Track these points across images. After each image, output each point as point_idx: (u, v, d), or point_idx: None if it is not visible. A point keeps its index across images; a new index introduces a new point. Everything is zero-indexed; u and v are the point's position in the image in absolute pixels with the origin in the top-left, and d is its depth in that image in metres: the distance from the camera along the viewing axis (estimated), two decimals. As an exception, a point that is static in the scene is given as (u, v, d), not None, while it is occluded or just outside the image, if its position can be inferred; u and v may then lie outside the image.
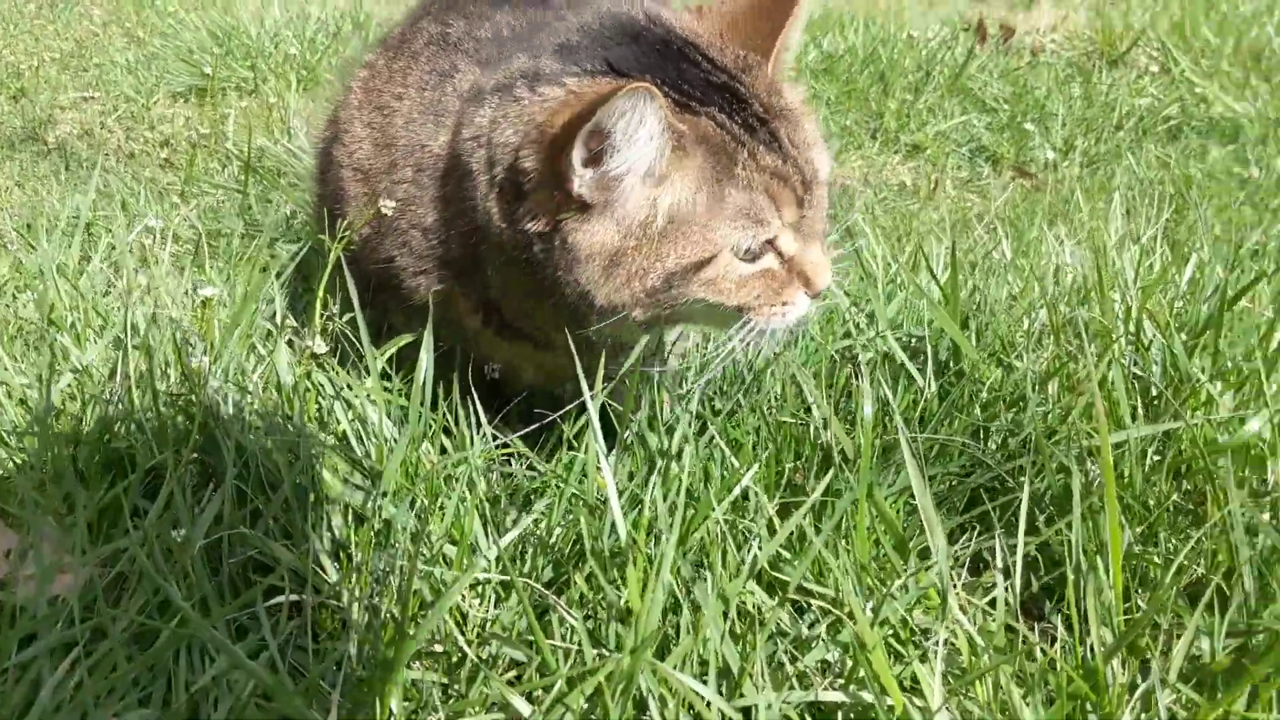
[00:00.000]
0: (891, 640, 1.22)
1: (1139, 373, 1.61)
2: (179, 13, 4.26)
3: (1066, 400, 1.53)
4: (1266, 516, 1.33)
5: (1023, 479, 1.33)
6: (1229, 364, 1.59)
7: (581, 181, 1.28)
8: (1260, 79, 3.59)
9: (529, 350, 1.53)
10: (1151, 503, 1.39)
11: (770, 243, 1.37)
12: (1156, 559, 1.32)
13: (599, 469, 1.32)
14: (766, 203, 1.33)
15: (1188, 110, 3.47)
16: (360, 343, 1.49)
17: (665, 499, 1.31)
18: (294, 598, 1.28)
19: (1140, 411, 1.54)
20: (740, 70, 1.38)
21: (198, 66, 3.55)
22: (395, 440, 1.42)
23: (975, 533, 1.42)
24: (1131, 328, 1.64)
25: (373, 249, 1.52)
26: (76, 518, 1.30)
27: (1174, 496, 1.39)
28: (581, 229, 1.31)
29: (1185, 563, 1.32)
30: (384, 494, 1.36)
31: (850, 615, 1.14)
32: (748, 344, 1.40)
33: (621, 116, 1.22)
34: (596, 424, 1.34)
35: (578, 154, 1.26)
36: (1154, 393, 1.57)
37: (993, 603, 1.26)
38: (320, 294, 1.54)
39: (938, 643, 1.13)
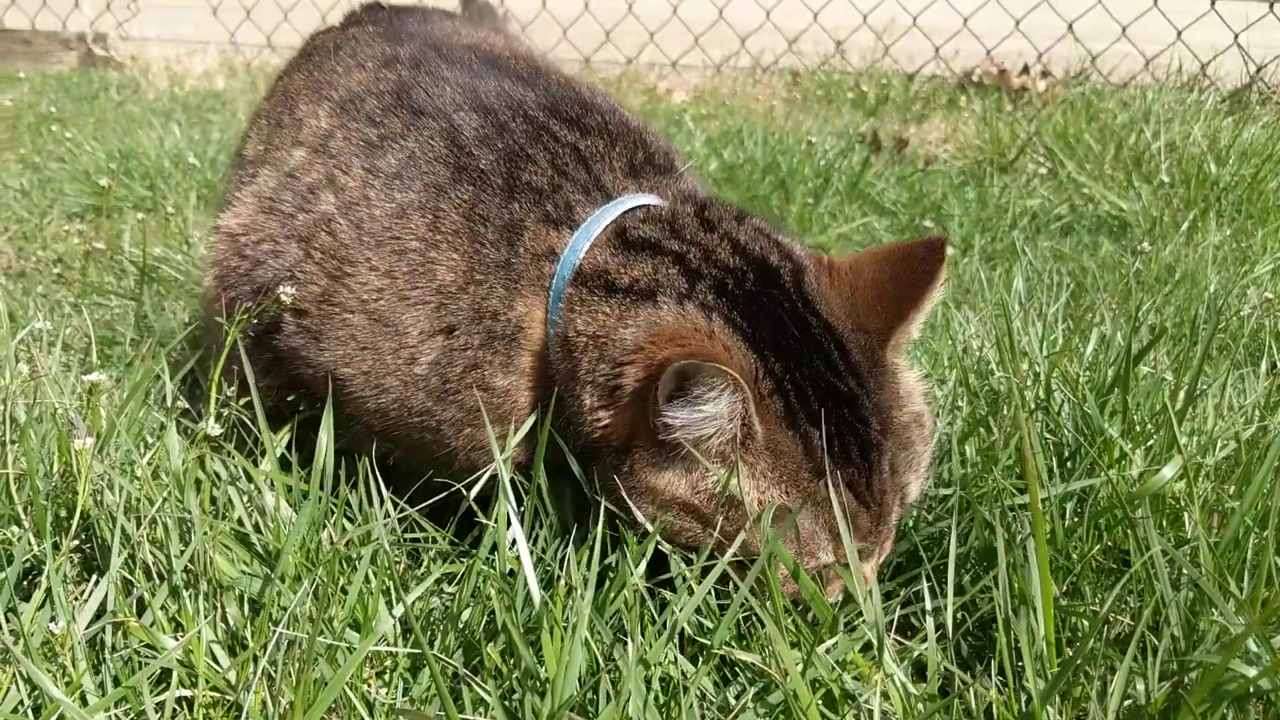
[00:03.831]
0: (822, 706, 1.17)
1: (1051, 436, 1.61)
2: (77, 137, 4.20)
3: (984, 459, 1.52)
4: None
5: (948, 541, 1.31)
6: (1136, 423, 1.61)
7: (657, 413, 1.23)
8: (1141, 180, 3.74)
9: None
10: (1075, 556, 1.37)
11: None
12: (1083, 611, 1.30)
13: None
14: (827, 540, 1.27)
15: (1077, 209, 3.58)
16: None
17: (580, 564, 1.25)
18: (184, 693, 1.19)
19: (1055, 471, 1.54)
20: (869, 373, 1.31)
21: (94, 184, 3.49)
22: (293, 524, 1.35)
23: (901, 600, 1.39)
24: (1041, 392, 1.65)
25: (382, 392, 1.44)
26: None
27: (1096, 549, 1.38)
28: (650, 465, 1.27)
29: (1112, 617, 1.31)
30: (282, 579, 1.29)
31: (784, 673, 1.09)
32: None
33: (700, 385, 1.19)
34: (507, 487, 1.27)
35: (663, 389, 1.21)
36: (1067, 454, 1.58)
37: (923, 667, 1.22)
38: (216, 378, 1.47)
39: (872, 696, 1.09)
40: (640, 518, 1.28)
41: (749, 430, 1.24)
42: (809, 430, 1.26)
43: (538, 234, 1.40)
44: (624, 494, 1.28)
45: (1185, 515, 1.43)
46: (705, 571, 1.24)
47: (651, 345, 1.26)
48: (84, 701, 1.15)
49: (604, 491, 1.32)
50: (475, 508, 1.37)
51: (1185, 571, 1.25)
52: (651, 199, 1.46)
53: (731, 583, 1.25)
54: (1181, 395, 1.65)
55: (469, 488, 1.36)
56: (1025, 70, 5.32)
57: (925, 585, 1.27)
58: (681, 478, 1.27)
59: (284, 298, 1.42)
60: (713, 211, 1.43)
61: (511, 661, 1.18)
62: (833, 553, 1.27)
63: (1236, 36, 4.75)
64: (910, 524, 1.45)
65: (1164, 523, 1.44)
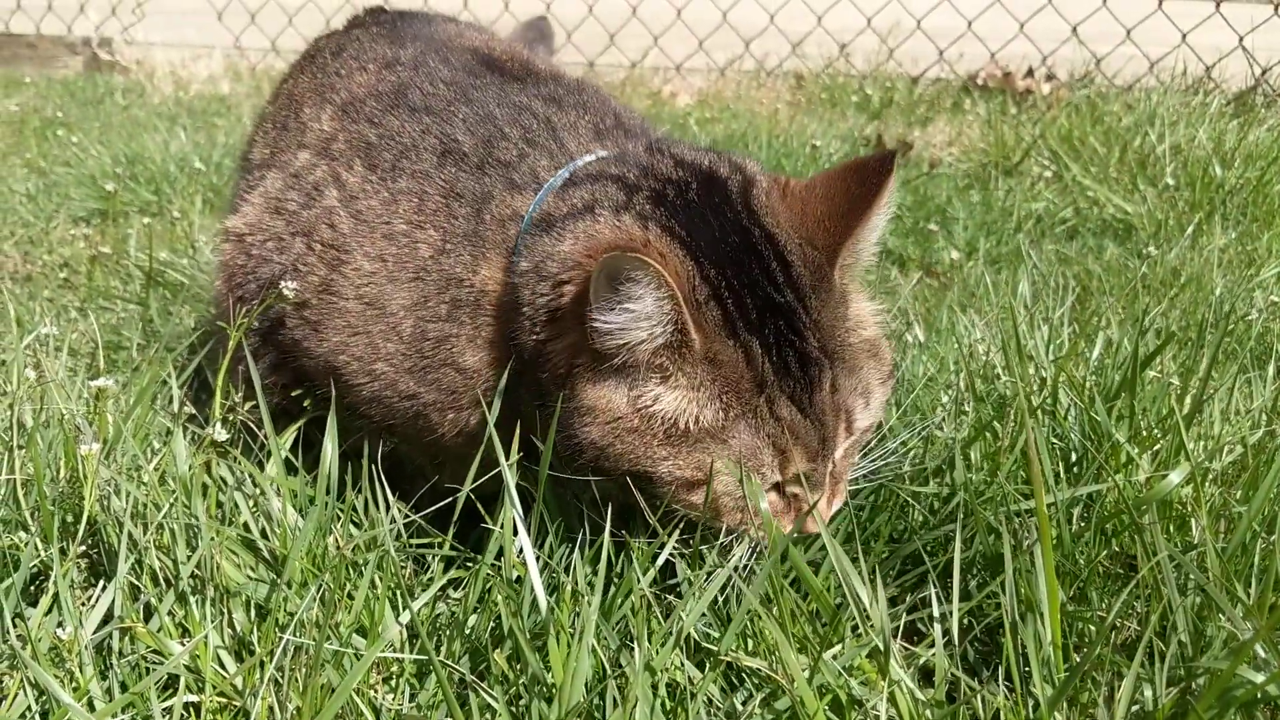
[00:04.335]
0: (829, 712, 1.16)
1: (1057, 440, 1.61)
2: (83, 142, 4.21)
3: (990, 464, 1.52)
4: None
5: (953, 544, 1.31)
6: (1143, 428, 1.60)
7: (590, 321, 1.23)
8: (1146, 183, 3.73)
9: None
10: (1082, 561, 1.37)
11: (773, 486, 1.30)
12: (1090, 617, 1.30)
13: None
14: (771, 456, 1.26)
15: (1082, 212, 3.58)
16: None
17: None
18: (191, 698, 1.19)
19: (1062, 476, 1.54)
20: (812, 288, 1.29)
21: (100, 189, 3.50)
22: (299, 529, 1.35)
23: (907, 605, 1.38)
24: (1047, 397, 1.65)
25: (374, 379, 1.44)
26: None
27: (1103, 554, 1.38)
28: (590, 381, 1.27)
29: (1120, 622, 1.31)
30: (288, 584, 1.29)
31: (790, 679, 1.09)
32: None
33: (626, 282, 1.18)
34: (513, 489, 1.27)
35: (594, 294, 1.21)
36: (1074, 458, 1.57)
37: (930, 672, 1.22)
38: (222, 379, 1.47)
39: (879, 702, 1.09)
40: (583, 441, 1.27)
41: (684, 337, 1.23)
42: (749, 339, 1.25)
43: (503, 200, 1.42)
44: (568, 419, 1.28)
45: (1192, 520, 1.43)
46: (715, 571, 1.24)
47: (588, 259, 1.26)
48: (91, 707, 1.15)
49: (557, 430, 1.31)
50: (480, 507, 1.37)
51: (1192, 577, 1.24)
52: (610, 153, 1.48)
53: (736, 587, 1.25)
54: (1188, 400, 1.65)
55: (475, 493, 1.36)
56: (1030, 73, 5.32)
57: (932, 590, 1.27)
58: (621, 393, 1.26)
59: (286, 291, 1.43)
60: (664, 143, 1.46)
61: (518, 668, 1.18)
62: (779, 470, 1.27)
63: (1242, 39, 4.75)
64: (915, 527, 1.45)
65: (1171, 528, 1.44)
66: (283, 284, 1.44)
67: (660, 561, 1.27)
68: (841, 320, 1.32)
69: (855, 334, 1.34)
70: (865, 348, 1.34)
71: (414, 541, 1.42)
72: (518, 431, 1.33)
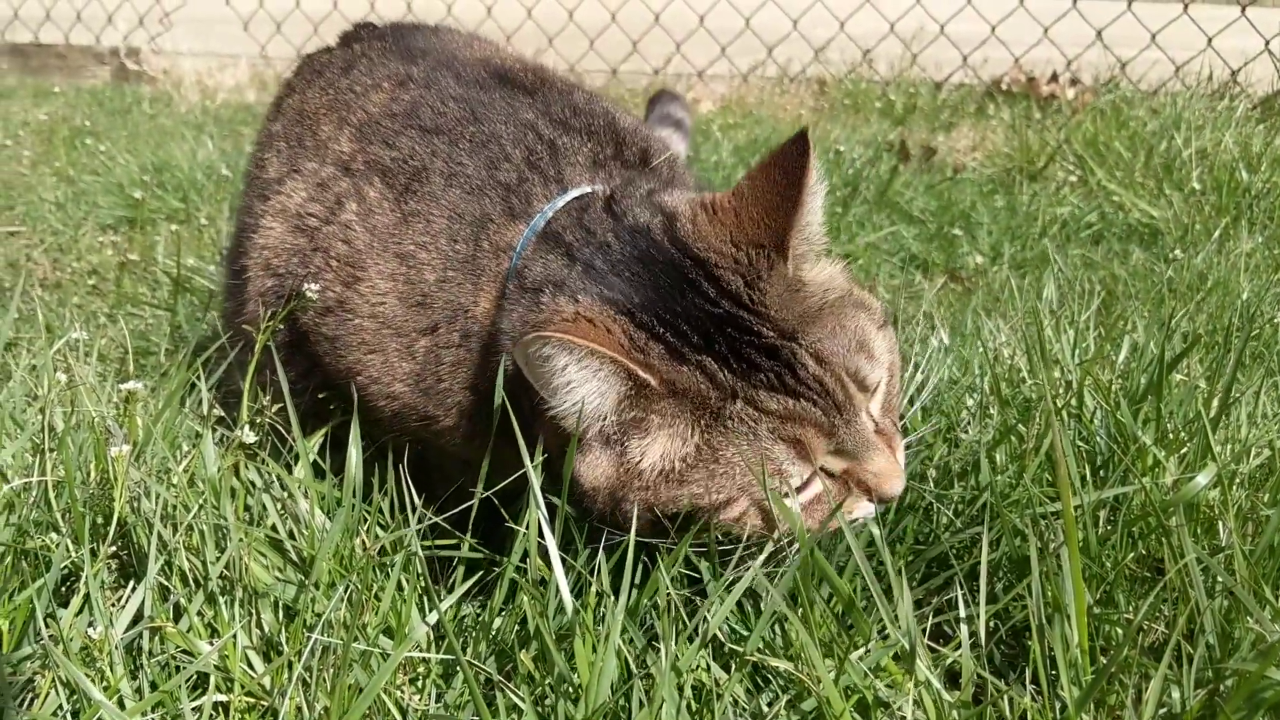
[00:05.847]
0: (855, 713, 1.16)
1: (1084, 443, 1.61)
2: (111, 150, 4.25)
3: (1016, 467, 1.51)
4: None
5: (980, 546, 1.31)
6: (1170, 431, 1.60)
7: (548, 411, 1.26)
8: (1172, 188, 3.71)
9: None
10: (1109, 564, 1.37)
11: (819, 472, 1.29)
12: (1117, 619, 1.29)
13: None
14: (784, 449, 1.25)
15: (1107, 217, 3.56)
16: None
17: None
18: (220, 698, 1.20)
19: (1089, 479, 1.53)
20: (749, 285, 1.29)
21: (128, 197, 3.53)
22: (326, 530, 1.36)
23: (933, 607, 1.38)
24: (1073, 400, 1.64)
25: (392, 399, 1.46)
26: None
27: (1130, 557, 1.37)
28: (580, 459, 1.29)
29: (1147, 625, 1.30)
30: (316, 585, 1.30)
31: (817, 680, 1.09)
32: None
33: (543, 360, 1.22)
34: (538, 491, 1.28)
35: (536, 384, 1.25)
36: (1100, 461, 1.57)
37: (957, 674, 1.22)
38: (249, 385, 1.49)
39: (905, 704, 1.08)
40: (593, 509, 1.30)
41: (637, 381, 1.24)
42: (699, 358, 1.26)
43: (501, 226, 1.44)
44: (572, 491, 1.30)
45: (1219, 523, 1.42)
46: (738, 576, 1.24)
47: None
48: (122, 705, 1.16)
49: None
50: (504, 512, 1.37)
51: (1220, 579, 1.24)
52: (594, 188, 1.48)
53: (765, 591, 1.25)
54: (1215, 403, 1.64)
55: (496, 495, 1.37)
56: (1054, 78, 5.30)
57: (958, 592, 1.27)
58: (610, 460, 1.29)
59: (309, 294, 1.44)
60: (624, 190, 1.45)
61: (544, 668, 1.19)
62: (801, 459, 1.26)
63: (1268, 43, 4.71)
64: (941, 530, 1.45)
65: (1198, 530, 1.43)
66: (306, 286, 1.45)
67: (680, 556, 1.27)
68: (802, 298, 1.31)
69: (826, 298, 1.33)
70: (845, 303, 1.34)
71: (439, 543, 1.43)
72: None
